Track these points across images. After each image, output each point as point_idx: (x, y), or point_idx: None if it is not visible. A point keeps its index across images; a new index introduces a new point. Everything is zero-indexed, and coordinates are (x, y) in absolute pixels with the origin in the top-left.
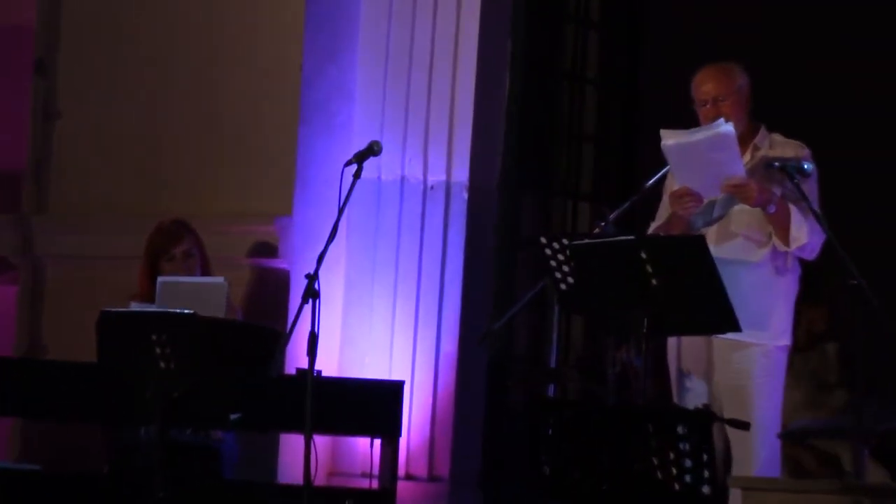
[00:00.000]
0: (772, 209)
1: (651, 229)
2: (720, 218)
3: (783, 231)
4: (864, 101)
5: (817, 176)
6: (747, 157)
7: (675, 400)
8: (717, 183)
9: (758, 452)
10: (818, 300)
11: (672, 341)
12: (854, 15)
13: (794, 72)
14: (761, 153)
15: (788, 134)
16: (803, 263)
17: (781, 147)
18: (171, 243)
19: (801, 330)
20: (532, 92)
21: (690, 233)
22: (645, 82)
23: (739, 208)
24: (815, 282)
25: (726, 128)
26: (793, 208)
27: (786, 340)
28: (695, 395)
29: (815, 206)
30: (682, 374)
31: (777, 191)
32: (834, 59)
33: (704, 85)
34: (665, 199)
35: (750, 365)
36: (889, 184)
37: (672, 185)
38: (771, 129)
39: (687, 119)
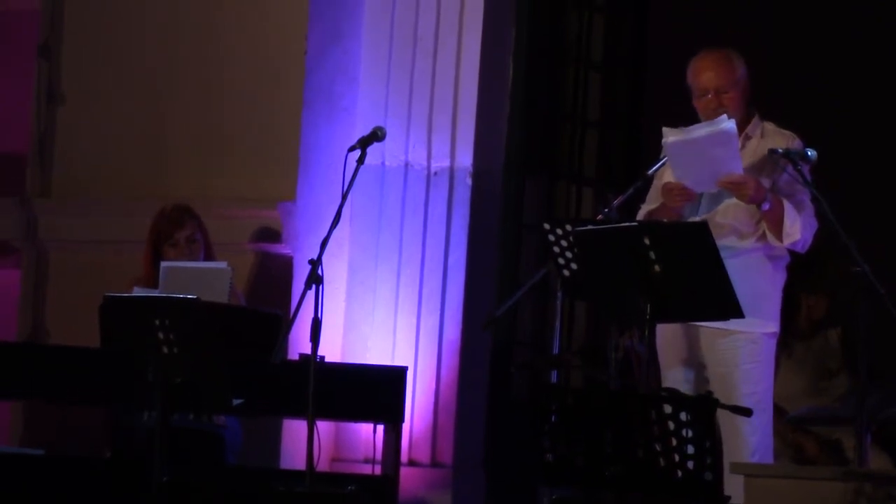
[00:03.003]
0: (766, 207)
1: (641, 213)
2: (707, 213)
3: (777, 227)
4: (869, 87)
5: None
6: (738, 145)
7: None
8: (714, 179)
9: (748, 439)
10: (818, 287)
11: (661, 329)
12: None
13: (801, 56)
14: (753, 142)
15: (791, 118)
16: (801, 256)
17: (773, 137)
18: (174, 228)
19: (802, 317)
20: (536, 77)
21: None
22: (650, 67)
23: (727, 200)
24: (814, 268)
25: (729, 125)
26: (786, 204)
27: (773, 328)
28: (685, 385)
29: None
30: (682, 363)
31: (766, 182)
32: (840, 43)
33: (705, 73)
34: (656, 183)
35: (736, 352)
36: (890, 170)
37: (664, 173)
38: (764, 117)
39: (692, 104)
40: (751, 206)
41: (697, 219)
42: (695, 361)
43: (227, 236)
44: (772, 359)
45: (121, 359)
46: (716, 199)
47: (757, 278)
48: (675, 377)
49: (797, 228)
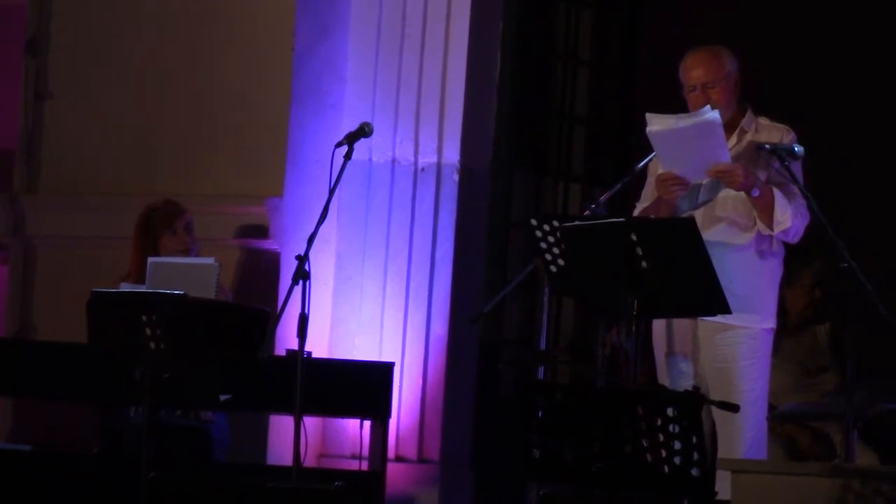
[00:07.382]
0: (755, 193)
1: (637, 211)
2: (706, 203)
3: (767, 215)
4: (859, 85)
5: (803, 158)
6: (733, 140)
7: (665, 382)
8: (703, 168)
9: (744, 434)
10: (802, 283)
11: (658, 323)
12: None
13: (791, 53)
14: (748, 137)
15: (782, 116)
16: (787, 246)
17: (767, 131)
18: (173, 218)
19: (789, 313)
20: (524, 73)
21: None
22: (639, 63)
23: (725, 192)
24: (796, 264)
25: (712, 115)
26: (777, 192)
27: (771, 323)
28: (685, 377)
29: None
30: (674, 356)
31: (762, 175)
32: (830, 41)
33: (693, 70)
34: (650, 180)
35: (735, 347)
36: (879, 166)
37: (657, 168)
38: (758, 112)
39: (681, 100)
40: (748, 199)
41: (694, 212)
42: (692, 353)
43: (214, 232)
44: (769, 354)
45: (108, 355)
46: (713, 191)
47: (755, 274)
48: (673, 367)
49: (788, 216)
